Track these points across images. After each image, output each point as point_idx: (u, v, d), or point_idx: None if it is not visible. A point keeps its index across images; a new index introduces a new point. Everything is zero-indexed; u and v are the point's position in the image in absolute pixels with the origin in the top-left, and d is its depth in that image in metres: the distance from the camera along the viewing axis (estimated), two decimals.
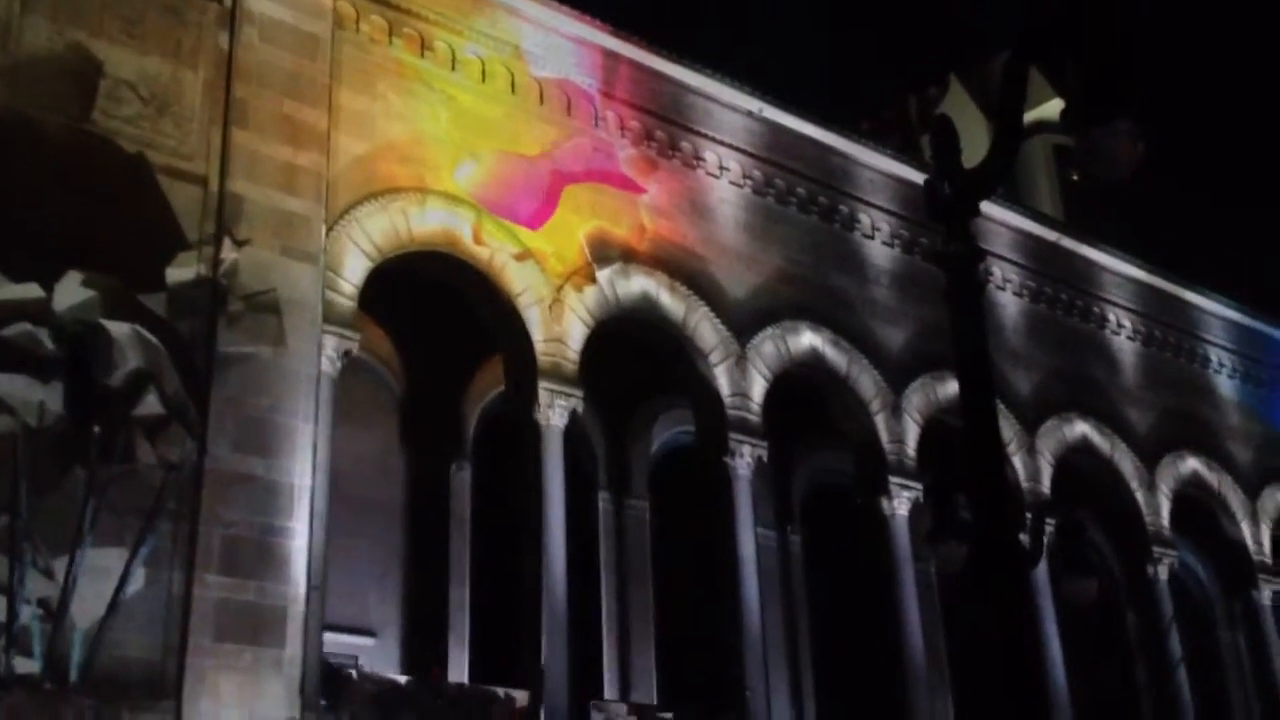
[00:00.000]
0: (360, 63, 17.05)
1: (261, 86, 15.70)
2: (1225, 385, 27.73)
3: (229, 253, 14.63)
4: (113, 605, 12.70)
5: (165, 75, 15.02)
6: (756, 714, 17.85)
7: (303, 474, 14.45)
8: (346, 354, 15.95)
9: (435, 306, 18.76)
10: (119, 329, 13.57)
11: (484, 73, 18.41)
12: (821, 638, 22.83)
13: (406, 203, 16.92)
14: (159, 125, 14.82)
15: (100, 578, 12.72)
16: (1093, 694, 22.88)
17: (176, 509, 13.42)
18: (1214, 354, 27.70)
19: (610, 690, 19.93)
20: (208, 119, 15.18)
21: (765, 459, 19.52)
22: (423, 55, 17.80)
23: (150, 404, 13.40)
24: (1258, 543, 26.10)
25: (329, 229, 15.88)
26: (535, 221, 18.03)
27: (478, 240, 17.46)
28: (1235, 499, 26.15)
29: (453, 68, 18.07)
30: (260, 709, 13.37)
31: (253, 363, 14.46)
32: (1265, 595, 25.72)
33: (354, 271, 16.29)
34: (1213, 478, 25.99)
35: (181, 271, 14.32)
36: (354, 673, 15.60)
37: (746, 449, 19.12)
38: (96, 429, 12.91)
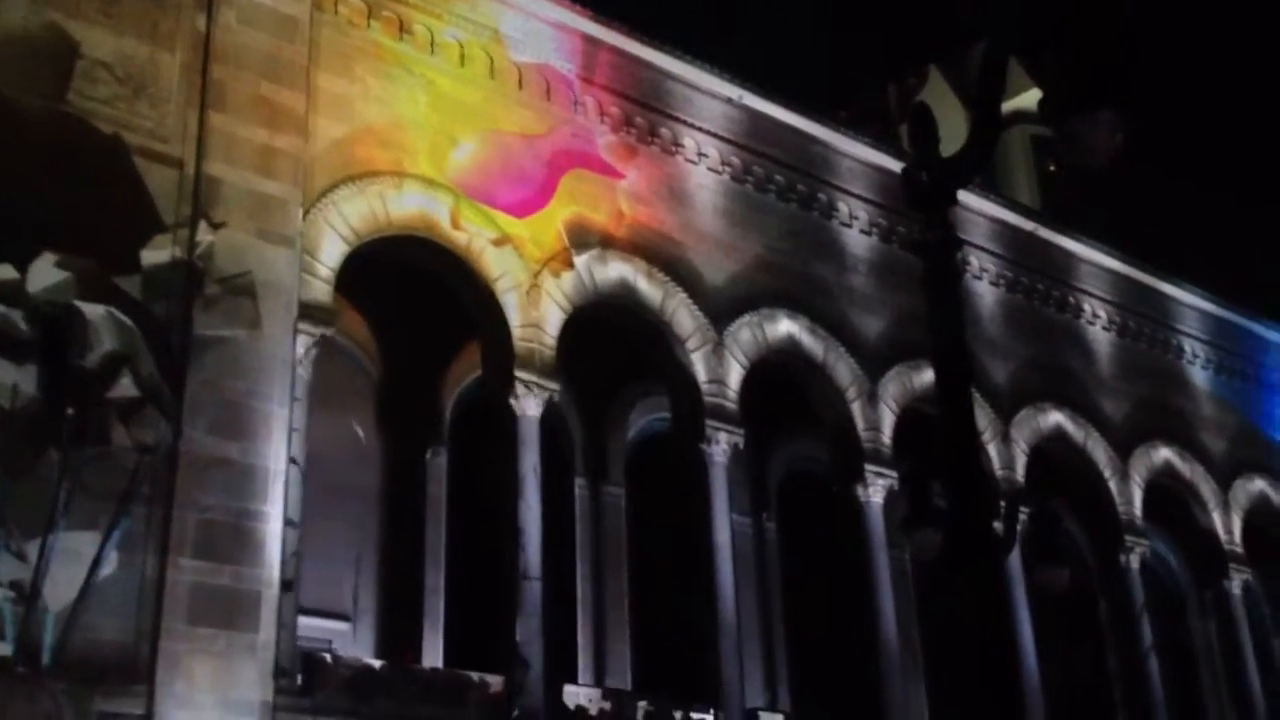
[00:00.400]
0: (339, 46, 16.96)
1: (239, 69, 15.59)
2: (1199, 376, 27.92)
3: (205, 235, 14.55)
4: (86, 588, 12.65)
5: (142, 56, 14.91)
6: (730, 699, 17.91)
7: (278, 458, 14.41)
8: (323, 338, 15.89)
9: (412, 291, 18.72)
10: (94, 311, 13.50)
11: (463, 57, 18.34)
12: (796, 624, 22.92)
13: (384, 186, 16.86)
14: (135, 106, 14.71)
15: (73, 561, 12.66)
16: (1064, 681, 23.05)
17: (150, 492, 13.36)
18: (1188, 345, 27.87)
19: (585, 675, 19.97)
20: (184, 101, 15.07)
21: (741, 446, 19.56)
22: (401, 39, 17.73)
23: (125, 386, 13.33)
24: (1229, 532, 26.31)
25: (306, 212, 15.82)
26: (522, 210, 17.99)
27: (455, 225, 17.42)
28: (1207, 489, 26.34)
29: (431, 51, 18.00)
30: (234, 693, 13.34)
31: (228, 346, 14.39)
32: (1236, 584, 25.94)
33: (331, 255, 16.23)
34: (1185, 467, 26.18)
35: (157, 254, 14.23)
36: (328, 657, 15.57)
37: (723, 436, 19.15)
38: (70, 411, 12.84)
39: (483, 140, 18.10)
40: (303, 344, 15.33)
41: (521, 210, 18.09)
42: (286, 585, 14.14)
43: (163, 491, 13.47)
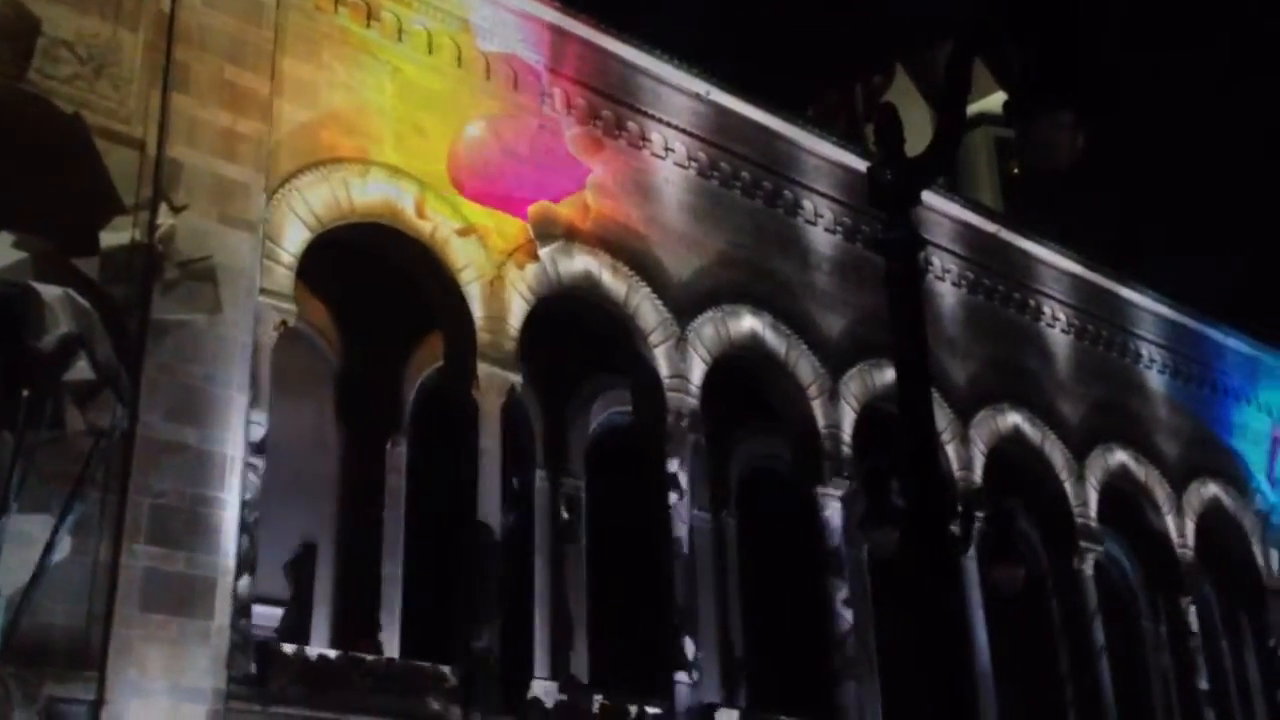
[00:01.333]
0: (305, 30, 16.84)
1: (203, 50, 15.45)
2: (1155, 380, 28.19)
3: (165, 218, 14.41)
4: (38, 573, 12.51)
5: (104, 35, 14.74)
6: (687, 694, 17.94)
7: (235, 444, 14.31)
8: (284, 324, 15.79)
9: (375, 279, 18.62)
10: (50, 292, 13.36)
11: (430, 45, 18.26)
12: (754, 620, 22.98)
13: (349, 173, 16.75)
14: (96, 86, 14.54)
15: (25, 545, 12.52)
16: (1017, 680, 23.24)
17: (105, 477, 13.24)
18: (1145, 349, 28.14)
19: (541, 668, 19.93)
20: (147, 82, 14.92)
21: (703, 442, 19.60)
22: (369, 25, 17.62)
23: (81, 369, 13.21)
24: (1182, 536, 26.60)
25: (269, 197, 15.70)
26: (487, 200, 17.94)
27: (420, 214, 17.35)
28: (1161, 492, 26.61)
29: (399, 39, 17.91)
30: (186, 680, 13.24)
31: (187, 331, 14.27)
32: (1188, 587, 26.22)
33: (293, 241, 16.12)
34: (1140, 471, 26.44)
35: (116, 236, 14.09)
36: (283, 645, 15.48)
37: (684, 431, 19.19)
38: (25, 393, 12.70)
39: (449, 129, 18.02)
40: (263, 330, 15.22)
41: (487, 201, 18.03)
42: (241, 573, 14.05)
43: (117, 476, 13.34)
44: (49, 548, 12.64)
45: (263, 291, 15.29)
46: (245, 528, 14.30)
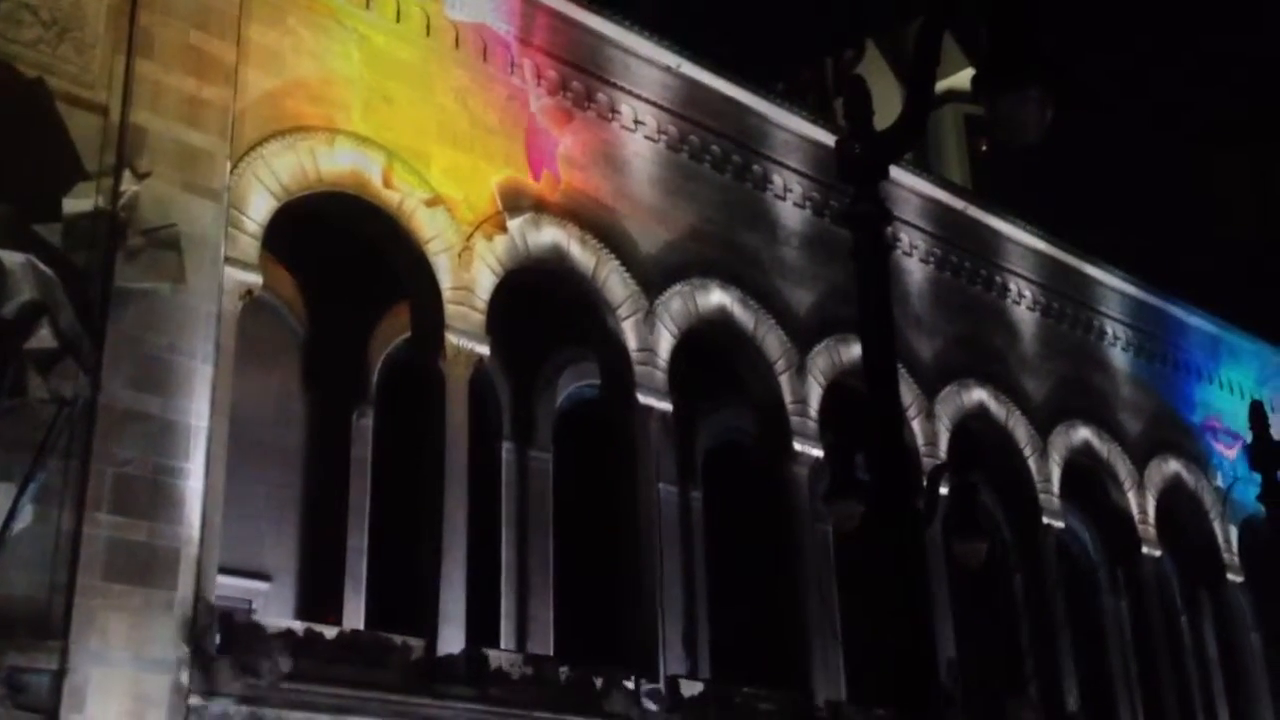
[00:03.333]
0: None
1: (168, 15, 15.26)
2: (1119, 357, 28.42)
3: (129, 185, 14.26)
4: None
5: None
6: (652, 666, 18.04)
7: (200, 414, 14.22)
8: (249, 293, 15.68)
9: (342, 249, 18.51)
10: (12, 259, 13.22)
11: (399, 13, 18.10)
12: (719, 593, 23.09)
13: (315, 142, 16.62)
14: (59, 50, 14.35)
15: None
16: (979, 652, 23.48)
17: (68, 445, 13.13)
18: (1109, 326, 28.35)
19: (507, 641, 19.98)
20: (111, 47, 14.72)
21: (670, 415, 19.64)
22: None
23: (43, 337, 13.08)
24: (1143, 511, 26.88)
25: (234, 165, 15.55)
26: (455, 171, 17.85)
27: (388, 184, 17.24)
28: (1123, 469, 26.88)
29: (367, 6, 17.74)
30: (149, 651, 13.19)
31: (151, 299, 14.15)
32: (1148, 562, 26.53)
33: (259, 210, 15.99)
34: (1103, 447, 26.67)
35: (79, 202, 13.93)
36: (247, 616, 15.43)
37: (651, 404, 19.22)
38: None
39: (417, 98, 17.90)
40: (228, 299, 15.11)
41: (455, 171, 17.94)
42: (205, 543, 13.98)
43: (80, 445, 13.24)
44: (11, 517, 12.54)
45: (228, 260, 15.16)
46: (209, 497, 14.22)
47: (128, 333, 13.82)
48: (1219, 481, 28.98)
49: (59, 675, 12.56)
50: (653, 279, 19.91)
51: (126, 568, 13.19)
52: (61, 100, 14.15)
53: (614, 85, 20.42)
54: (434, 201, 17.56)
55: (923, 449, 22.79)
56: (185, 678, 13.45)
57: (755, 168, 22.25)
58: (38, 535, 12.79)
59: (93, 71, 14.47)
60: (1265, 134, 41.83)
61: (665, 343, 19.80)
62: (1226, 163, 42.99)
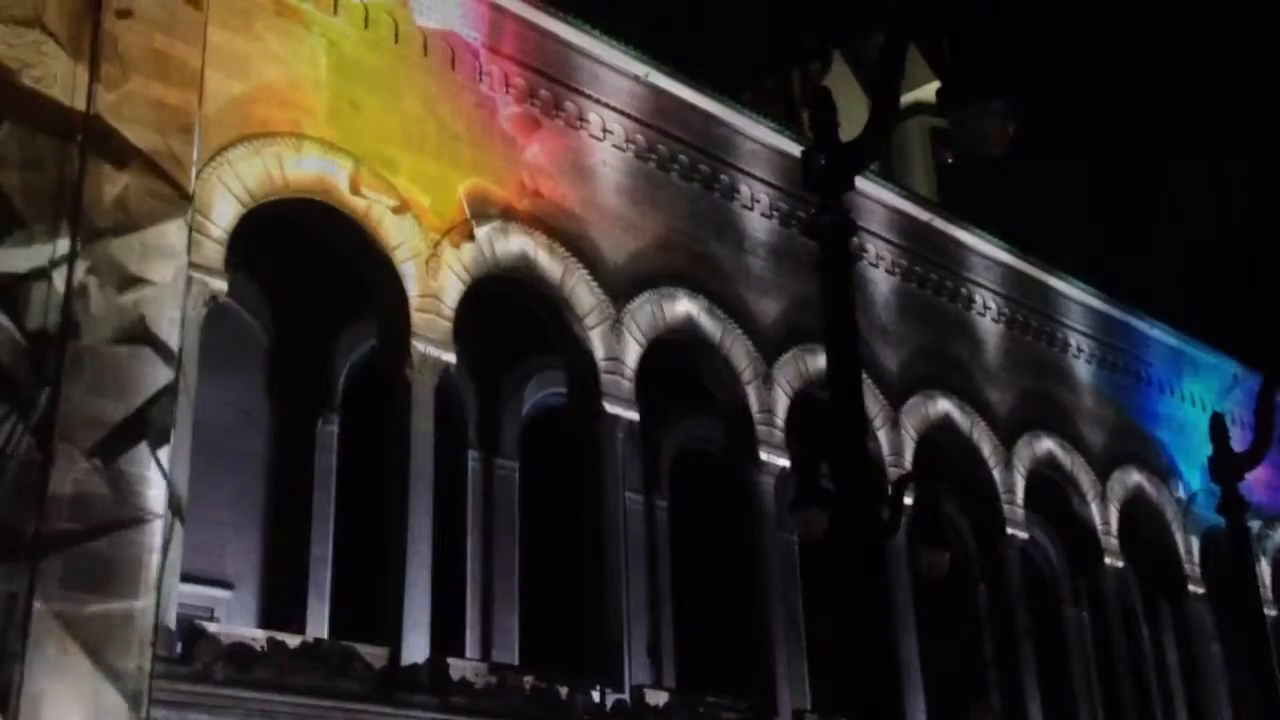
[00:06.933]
0: (237, 1, 16.56)
1: (133, 20, 15.10)
2: (1082, 370, 28.64)
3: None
4: None
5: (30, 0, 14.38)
6: (616, 675, 18.01)
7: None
8: (214, 299, 15.58)
9: (307, 255, 18.40)
10: None
11: (367, 19, 18.06)
12: (683, 602, 23.07)
13: (282, 148, 16.54)
14: (18, 52, 14.17)
15: None
16: (941, 662, 23.57)
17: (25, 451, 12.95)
18: (1073, 339, 28.58)
19: (472, 649, 19.90)
20: (75, 50, 14.57)
21: (636, 424, 19.64)
22: None
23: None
24: (1105, 522, 27.08)
25: (199, 171, 15.44)
26: (422, 179, 17.80)
27: (355, 191, 17.19)
28: (1086, 480, 27.07)
29: (334, 12, 17.69)
30: (108, 660, 13.02)
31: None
32: (1110, 573, 26.71)
33: (224, 215, 15.90)
34: (1066, 459, 26.85)
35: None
36: (209, 625, 15.31)
37: (618, 413, 19.22)
38: None
39: (385, 105, 17.85)
40: (193, 305, 14.99)
41: (422, 179, 17.89)
42: (166, 551, 13.84)
43: (40, 451, 13.05)
44: None
45: (192, 266, 15.04)
46: (172, 505, 14.09)
47: (88, 338, 13.64)
48: (1180, 493, 29.23)
49: (16, 685, 12.38)
50: (620, 288, 19.92)
51: (86, 576, 13.02)
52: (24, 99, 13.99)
53: (582, 93, 20.44)
54: (401, 209, 17.51)
55: (888, 459, 22.89)
56: (145, 688, 13.30)
57: (723, 177, 22.31)
58: None
59: (55, 73, 14.31)
60: (1227, 146, 42.30)
61: (632, 352, 19.81)
62: (1190, 174, 43.43)
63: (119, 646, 13.10)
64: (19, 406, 12.85)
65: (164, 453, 13.90)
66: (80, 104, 14.26)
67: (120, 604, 13.19)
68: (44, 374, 13.12)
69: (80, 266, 13.70)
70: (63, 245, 13.69)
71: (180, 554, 14.42)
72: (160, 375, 14.02)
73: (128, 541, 13.40)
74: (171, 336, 14.27)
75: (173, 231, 14.56)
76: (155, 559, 13.56)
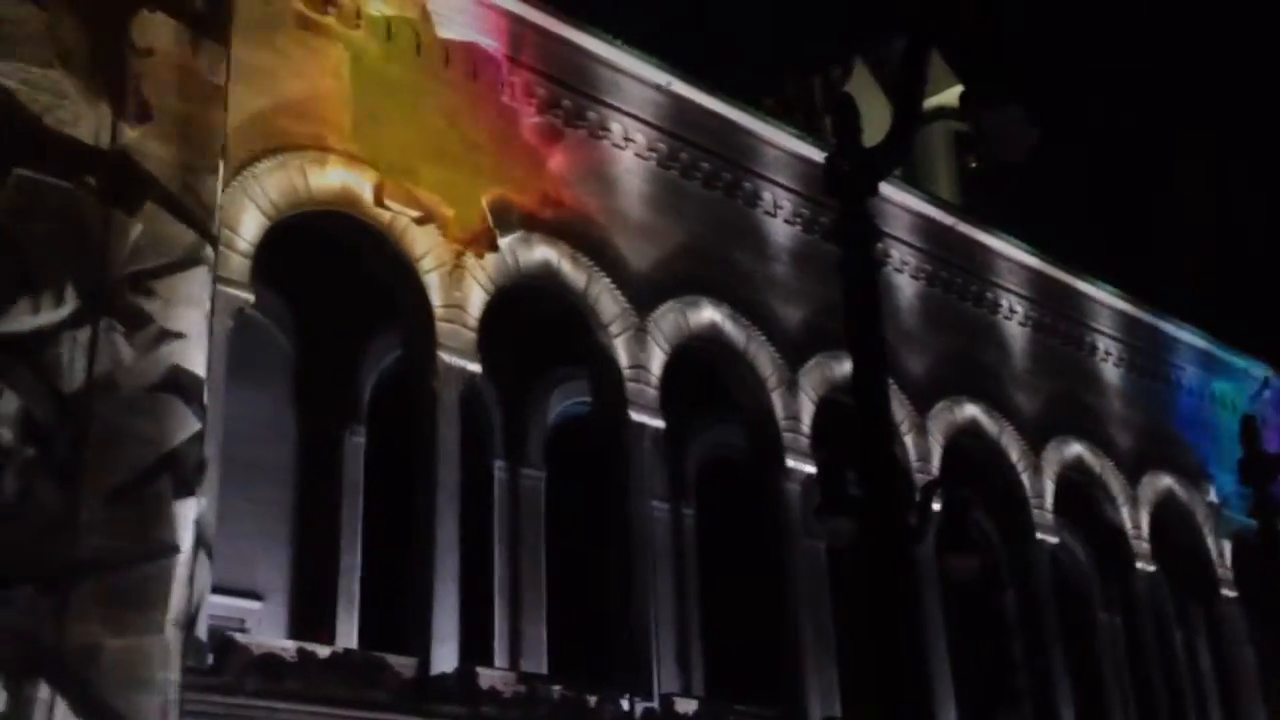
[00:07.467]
0: (260, 15, 16.67)
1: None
2: (1110, 373, 28.48)
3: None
4: None
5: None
6: (645, 684, 17.99)
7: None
8: (240, 312, 15.67)
9: (332, 267, 18.49)
10: None
11: (389, 32, 18.15)
12: (711, 610, 23.04)
13: (306, 160, 16.64)
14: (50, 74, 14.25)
15: None
16: (972, 668, 23.44)
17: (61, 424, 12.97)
18: (1101, 342, 28.42)
19: (500, 659, 19.92)
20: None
21: (661, 432, 19.63)
22: (326, 10, 17.48)
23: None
24: (1136, 526, 26.90)
25: (225, 184, 15.52)
26: (446, 189, 17.86)
27: (379, 202, 17.26)
28: (1116, 484, 26.90)
29: (357, 25, 17.78)
30: (140, 672, 13.06)
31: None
32: (1141, 577, 26.53)
33: (249, 228, 16.00)
34: (1095, 463, 26.70)
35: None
36: (239, 636, 15.37)
37: (643, 421, 19.22)
38: None
39: (408, 117, 17.92)
40: (219, 318, 15.05)
41: (445, 190, 17.95)
42: (197, 563, 13.88)
43: (72, 467, 13.10)
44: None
45: (219, 279, 15.08)
46: (201, 518, 14.13)
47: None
48: (1211, 496, 29.01)
49: (50, 697, 12.43)
50: (644, 296, 19.93)
51: (118, 588, 13.07)
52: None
53: (604, 103, 20.47)
54: (425, 219, 17.58)
55: (915, 465, 22.80)
56: (177, 699, 13.34)
57: (745, 184, 22.30)
58: None
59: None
60: (1256, 145, 41.99)
61: (657, 359, 19.81)
62: (1218, 177, 43.13)
63: (151, 658, 13.14)
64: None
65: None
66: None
67: (152, 616, 13.22)
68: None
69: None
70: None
71: (208, 587, 14.41)
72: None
73: (159, 554, 13.39)
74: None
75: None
76: (186, 571, 13.51)
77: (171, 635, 13.12)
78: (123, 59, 14.30)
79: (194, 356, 13.89)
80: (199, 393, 13.85)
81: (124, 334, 13.49)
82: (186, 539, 13.42)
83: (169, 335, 13.68)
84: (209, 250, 14.32)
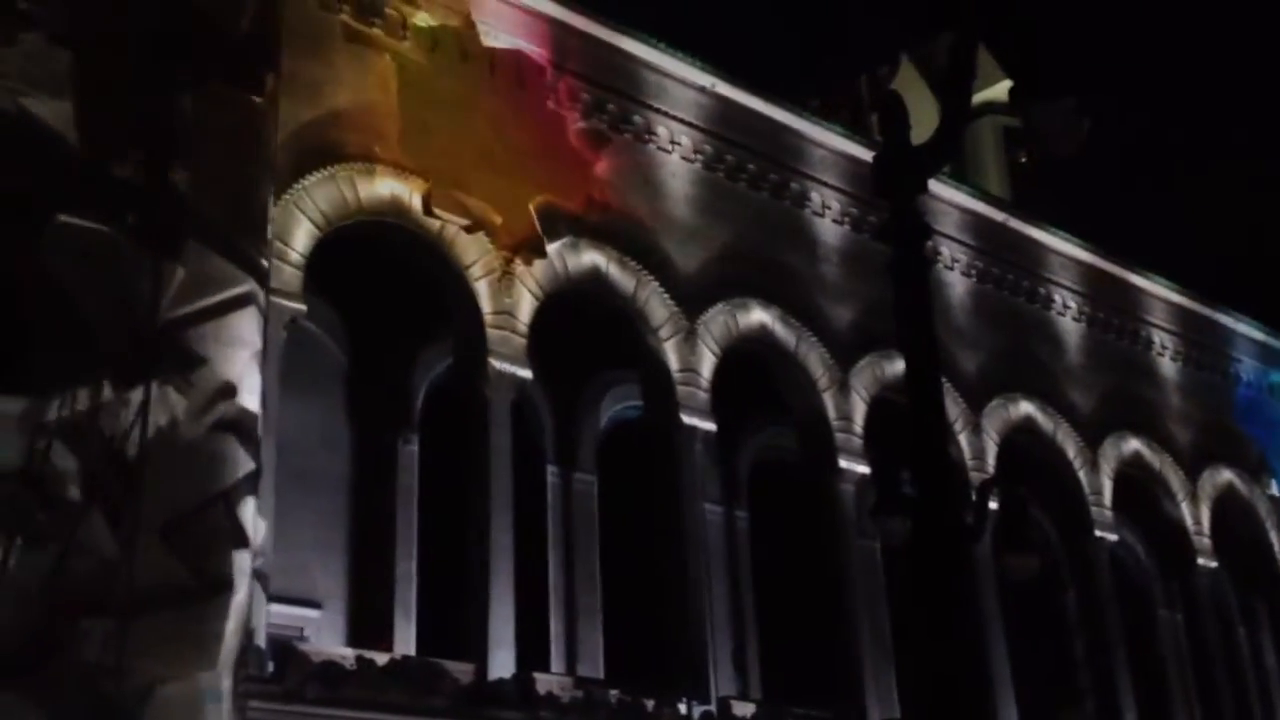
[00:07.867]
0: (309, 29, 16.83)
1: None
2: (1167, 367, 28.11)
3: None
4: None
5: None
6: (702, 687, 17.95)
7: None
8: (293, 322, 15.81)
9: (383, 276, 18.62)
10: None
11: (435, 42, 18.25)
12: (767, 612, 22.96)
13: (355, 172, 16.77)
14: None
15: None
16: (1032, 668, 23.20)
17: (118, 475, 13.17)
18: (1156, 336, 28.06)
19: (557, 664, 19.95)
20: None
21: (713, 435, 19.59)
22: (373, 23, 17.62)
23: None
24: (1197, 522, 26.52)
25: (276, 197, 15.69)
26: (494, 196, 17.93)
27: (427, 211, 17.36)
28: (1175, 479, 26.54)
29: (403, 36, 17.90)
30: (201, 680, 13.20)
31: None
32: (1203, 574, 26.15)
33: (300, 240, 16.14)
34: (1154, 458, 26.36)
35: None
36: (298, 644, 15.50)
37: (695, 424, 19.19)
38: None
39: (455, 125, 18.02)
40: (273, 329, 15.21)
41: (493, 197, 18.03)
42: (257, 572, 14.03)
43: (131, 477, 13.28)
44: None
45: (272, 291, 15.26)
46: (259, 528, 14.28)
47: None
48: (1273, 490, 28.55)
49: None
50: (693, 299, 19.90)
51: (179, 597, 13.22)
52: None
53: (649, 107, 20.48)
54: (474, 227, 17.66)
55: (970, 463, 22.61)
56: (238, 706, 13.48)
57: (792, 185, 22.22)
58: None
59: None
60: None
61: (707, 362, 19.78)
62: (1273, 167, 42.46)
63: (211, 665, 13.25)
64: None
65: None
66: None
67: (211, 624, 13.35)
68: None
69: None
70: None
71: (269, 574, 14.59)
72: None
73: (219, 563, 13.50)
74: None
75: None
76: (246, 580, 13.62)
77: (232, 637, 13.18)
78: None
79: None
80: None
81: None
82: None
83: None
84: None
